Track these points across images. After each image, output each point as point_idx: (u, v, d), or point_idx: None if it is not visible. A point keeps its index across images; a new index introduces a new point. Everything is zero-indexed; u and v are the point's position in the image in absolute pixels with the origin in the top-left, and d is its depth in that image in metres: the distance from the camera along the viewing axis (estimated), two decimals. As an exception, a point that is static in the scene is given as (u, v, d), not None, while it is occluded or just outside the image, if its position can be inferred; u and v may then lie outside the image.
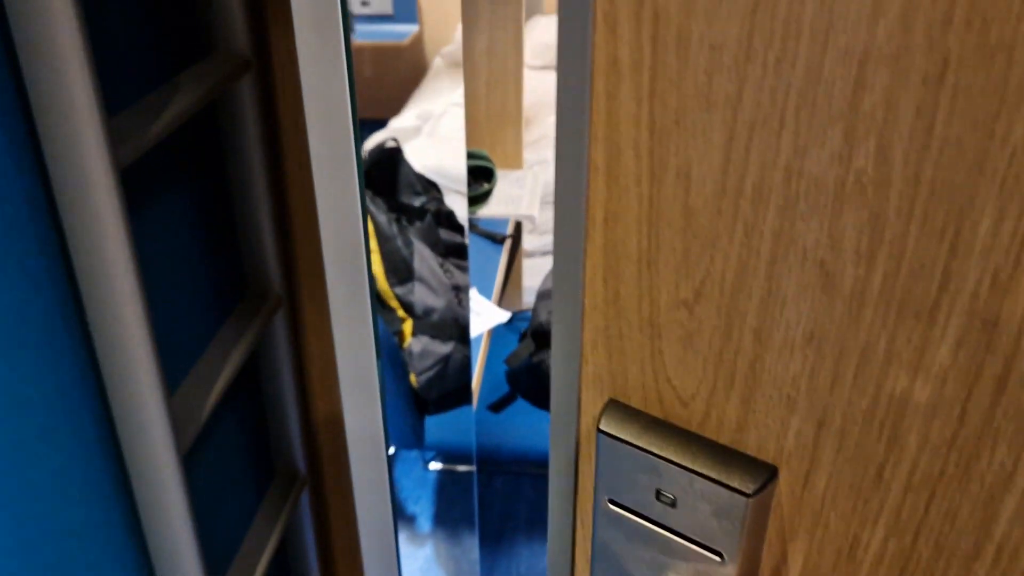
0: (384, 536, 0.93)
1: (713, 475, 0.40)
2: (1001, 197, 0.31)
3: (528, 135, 2.18)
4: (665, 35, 0.35)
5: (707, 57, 0.35)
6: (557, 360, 0.44)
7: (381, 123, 1.66)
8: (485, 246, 1.92)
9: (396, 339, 1.58)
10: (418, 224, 1.61)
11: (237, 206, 0.79)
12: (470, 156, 1.76)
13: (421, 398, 1.59)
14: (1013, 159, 0.30)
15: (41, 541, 0.55)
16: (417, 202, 1.65)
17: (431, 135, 1.78)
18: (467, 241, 1.66)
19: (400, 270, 1.57)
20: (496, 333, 1.79)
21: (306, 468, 0.94)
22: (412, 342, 1.57)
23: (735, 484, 0.40)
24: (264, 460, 0.91)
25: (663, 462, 0.41)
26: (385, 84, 1.73)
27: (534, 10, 2.84)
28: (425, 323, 1.56)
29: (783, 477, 0.41)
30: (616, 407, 0.43)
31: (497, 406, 1.71)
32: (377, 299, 1.57)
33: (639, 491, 0.43)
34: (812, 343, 0.37)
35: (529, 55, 2.64)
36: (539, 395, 1.69)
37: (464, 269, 1.61)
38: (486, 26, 1.78)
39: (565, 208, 0.40)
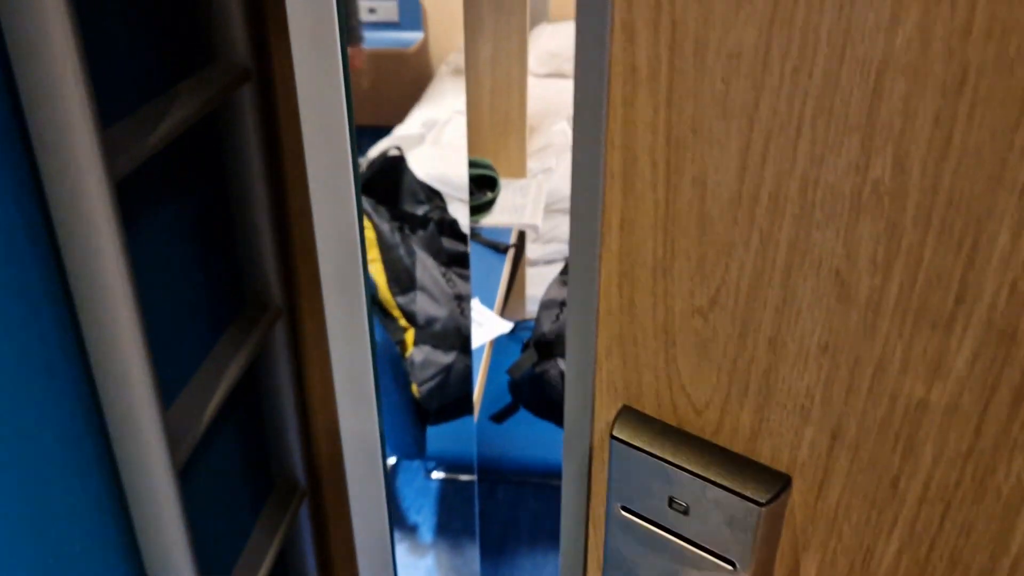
0: (381, 547, 0.92)
1: (726, 483, 0.40)
2: (1020, 208, 0.31)
3: (532, 144, 2.19)
4: (682, 43, 0.35)
5: (724, 65, 0.35)
6: (571, 366, 0.44)
7: (386, 130, 1.66)
8: (488, 255, 1.92)
9: (398, 349, 1.58)
10: (421, 233, 1.61)
11: (237, 215, 0.78)
12: (474, 165, 1.76)
13: (423, 408, 1.58)
14: (1033, 169, 0.30)
15: (36, 558, 0.54)
16: (420, 211, 1.65)
17: (435, 143, 1.78)
18: (468, 250, 1.66)
19: (402, 279, 1.57)
20: (499, 343, 1.79)
21: (305, 480, 0.93)
22: (414, 352, 1.56)
23: (748, 493, 0.40)
24: (263, 472, 0.91)
25: (676, 469, 0.41)
26: (390, 91, 1.73)
27: (540, 18, 2.85)
28: (427, 333, 1.56)
29: (797, 487, 0.40)
30: (630, 414, 0.43)
31: (499, 416, 1.71)
32: (379, 308, 1.57)
33: (652, 498, 0.43)
34: (827, 352, 0.37)
35: (535, 63, 2.65)
36: (542, 406, 1.69)
37: (467, 278, 1.61)
38: (490, 35, 1.78)
39: (581, 214, 0.40)
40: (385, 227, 1.57)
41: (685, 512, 0.42)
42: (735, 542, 0.41)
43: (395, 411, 1.56)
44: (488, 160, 1.83)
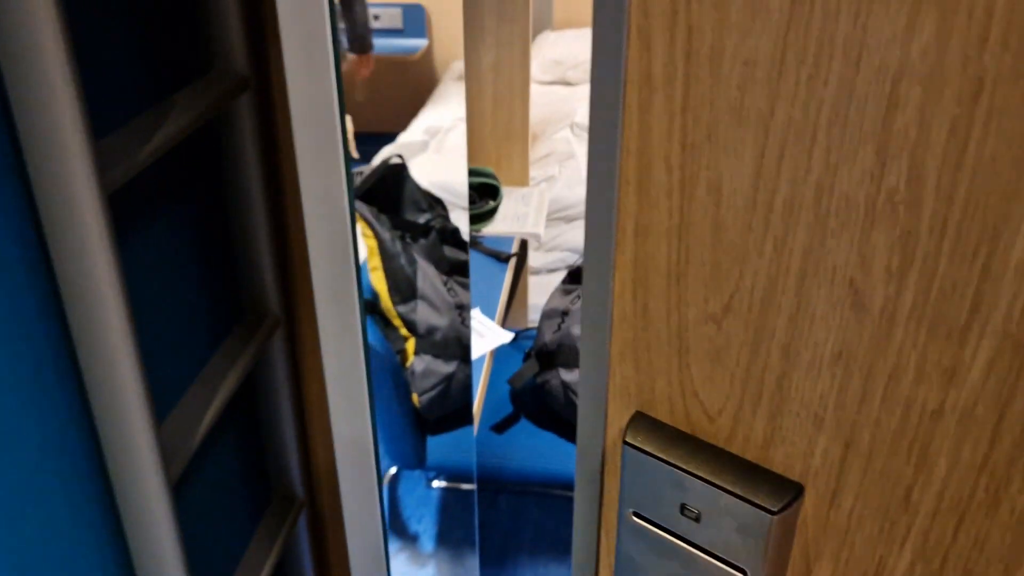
0: (375, 556, 0.91)
1: (738, 491, 0.40)
2: (1037, 216, 0.31)
3: (535, 152, 2.19)
4: (698, 50, 0.35)
5: (740, 73, 0.35)
6: (585, 371, 0.44)
7: (390, 137, 1.67)
8: (490, 264, 1.92)
9: (399, 358, 1.58)
10: (422, 241, 1.61)
11: (235, 225, 0.78)
12: (476, 173, 1.76)
13: (423, 417, 1.58)
14: (1051, 178, 0.30)
15: (28, 575, 0.53)
16: (422, 219, 1.65)
17: (438, 150, 1.78)
18: (467, 258, 1.66)
19: (403, 288, 1.57)
20: (500, 352, 1.78)
21: (304, 491, 0.93)
22: (415, 361, 1.56)
23: (760, 501, 0.40)
24: (261, 484, 0.90)
25: (688, 476, 0.41)
26: (394, 98, 1.74)
27: (543, 26, 2.86)
28: (428, 342, 1.56)
29: (809, 496, 0.40)
30: (642, 420, 0.43)
31: (500, 426, 1.70)
32: (380, 318, 1.57)
33: (664, 505, 0.43)
34: (840, 361, 0.37)
35: (538, 70, 2.66)
36: (543, 416, 1.68)
37: (468, 287, 1.61)
38: (492, 43, 1.79)
39: (596, 220, 0.40)
40: (386, 236, 1.57)
41: (697, 519, 0.42)
42: (746, 550, 0.41)
43: (396, 420, 1.56)
44: (490, 168, 1.83)
